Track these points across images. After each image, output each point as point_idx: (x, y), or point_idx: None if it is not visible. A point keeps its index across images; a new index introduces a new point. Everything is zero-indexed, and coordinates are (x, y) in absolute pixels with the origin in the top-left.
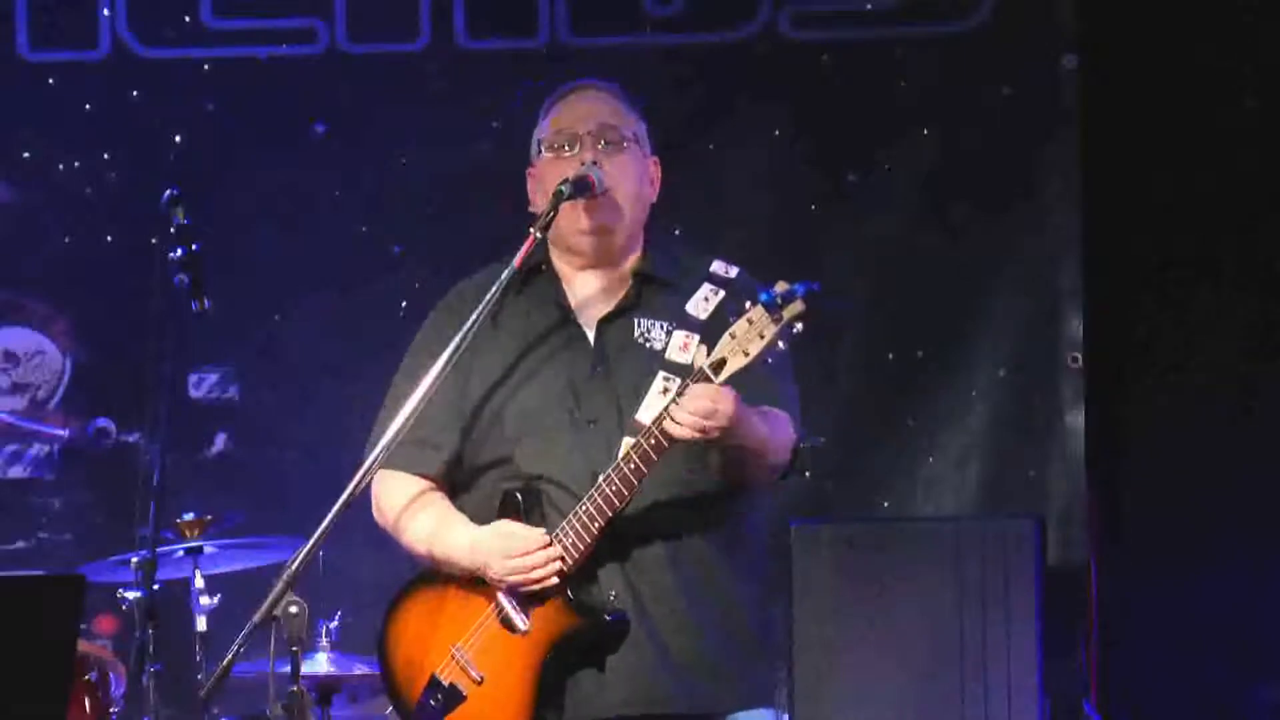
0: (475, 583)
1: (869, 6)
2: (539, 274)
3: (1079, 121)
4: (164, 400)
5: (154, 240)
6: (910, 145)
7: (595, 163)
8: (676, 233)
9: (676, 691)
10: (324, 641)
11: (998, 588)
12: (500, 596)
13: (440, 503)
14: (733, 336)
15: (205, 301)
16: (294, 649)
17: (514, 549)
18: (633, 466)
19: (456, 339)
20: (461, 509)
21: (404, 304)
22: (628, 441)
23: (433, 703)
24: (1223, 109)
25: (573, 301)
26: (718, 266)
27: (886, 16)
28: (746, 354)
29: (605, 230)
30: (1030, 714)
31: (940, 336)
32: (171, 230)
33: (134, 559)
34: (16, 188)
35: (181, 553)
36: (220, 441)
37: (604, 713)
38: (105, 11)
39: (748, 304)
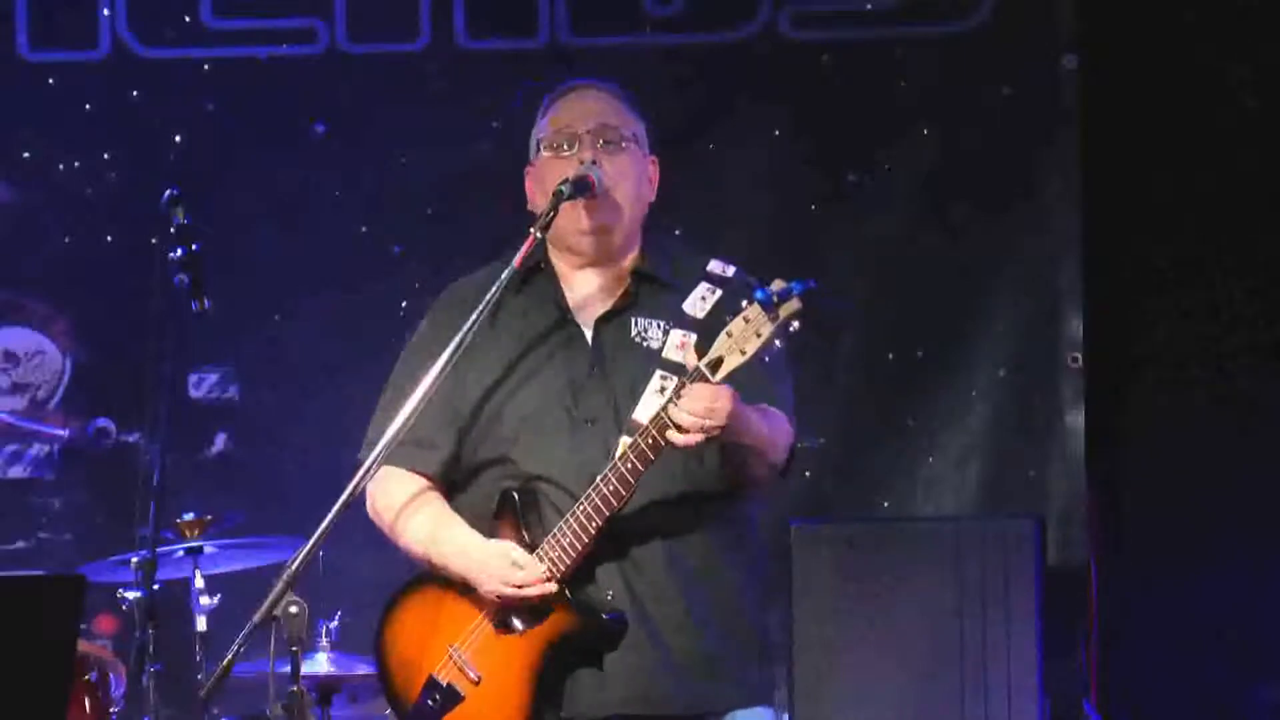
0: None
1: (869, 6)
2: (537, 273)
3: (1079, 121)
4: (164, 400)
5: (154, 240)
6: (910, 145)
7: (595, 162)
8: (677, 233)
9: (675, 691)
10: (324, 641)
11: (998, 588)
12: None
13: (437, 504)
14: (729, 335)
15: (205, 301)
16: (294, 649)
17: (513, 579)
18: (630, 466)
19: (457, 338)
20: (459, 508)
21: (404, 304)
22: (625, 441)
23: (430, 703)
24: (1223, 109)
25: (571, 301)
26: (715, 265)
27: (886, 16)
28: (743, 352)
29: (605, 230)
30: (1030, 714)
31: (940, 336)
32: (171, 230)
33: (134, 559)
34: (16, 188)
35: (181, 553)
36: (220, 441)
37: (602, 712)
38: (105, 11)
39: (744, 303)
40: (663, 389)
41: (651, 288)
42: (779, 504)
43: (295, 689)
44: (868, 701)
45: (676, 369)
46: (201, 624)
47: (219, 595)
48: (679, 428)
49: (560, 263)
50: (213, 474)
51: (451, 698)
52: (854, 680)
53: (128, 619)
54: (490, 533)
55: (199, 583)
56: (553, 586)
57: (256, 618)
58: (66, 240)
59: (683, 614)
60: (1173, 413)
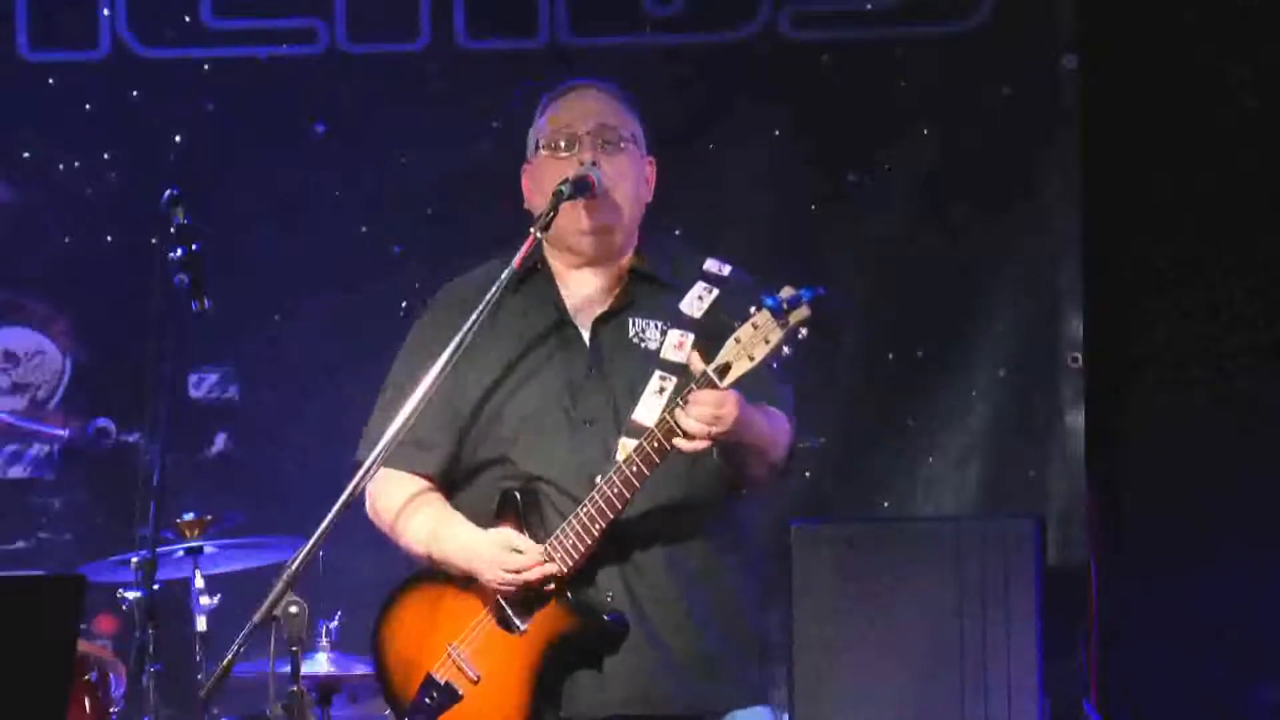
0: (473, 582)
1: (869, 6)
2: (534, 273)
3: (1079, 121)
4: (164, 400)
5: (154, 240)
6: (910, 145)
7: (594, 163)
8: (677, 233)
9: (675, 691)
10: (324, 641)
11: (998, 588)
12: (499, 596)
13: (437, 503)
14: (737, 341)
15: (205, 301)
16: (294, 649)
17: (511, 562)
18: (635, 469)
19: (457, 338)
20: (458, 507)
21: (404, 304)
22: (625, 442)
23: (428, 701)
24: (1223, 109)
25: (568, 301)
26: (711, 265)
27: (886, 16)
28: (751, 358)
29: (605, 230)
30: (1030, 714)
31: (940, 336)
32: (171, 230)
33: (134, 559)
34: (16, 188)
35: (181, 553)
36: (220, 441)
37: (602, 712)
38: (105, 11)
39: (752, 309)
40: (662, 389)
41: (649, 288)
42: (779, 504)
43: (295, 689)
44: (868, 701)
45: (675, 369)
46: (201, 624)
47: (219, 595)
48: (686, 434)
49: (557, 262)
50: (213, 474)
51: (449, 696)
52: (854, 680)
53: (128, 619)
54: None
55: (199, 583)
56: (553, 568)
57: (256, 618)
58: (66, 240)
59: (683, 615)
60: (1173, 413)
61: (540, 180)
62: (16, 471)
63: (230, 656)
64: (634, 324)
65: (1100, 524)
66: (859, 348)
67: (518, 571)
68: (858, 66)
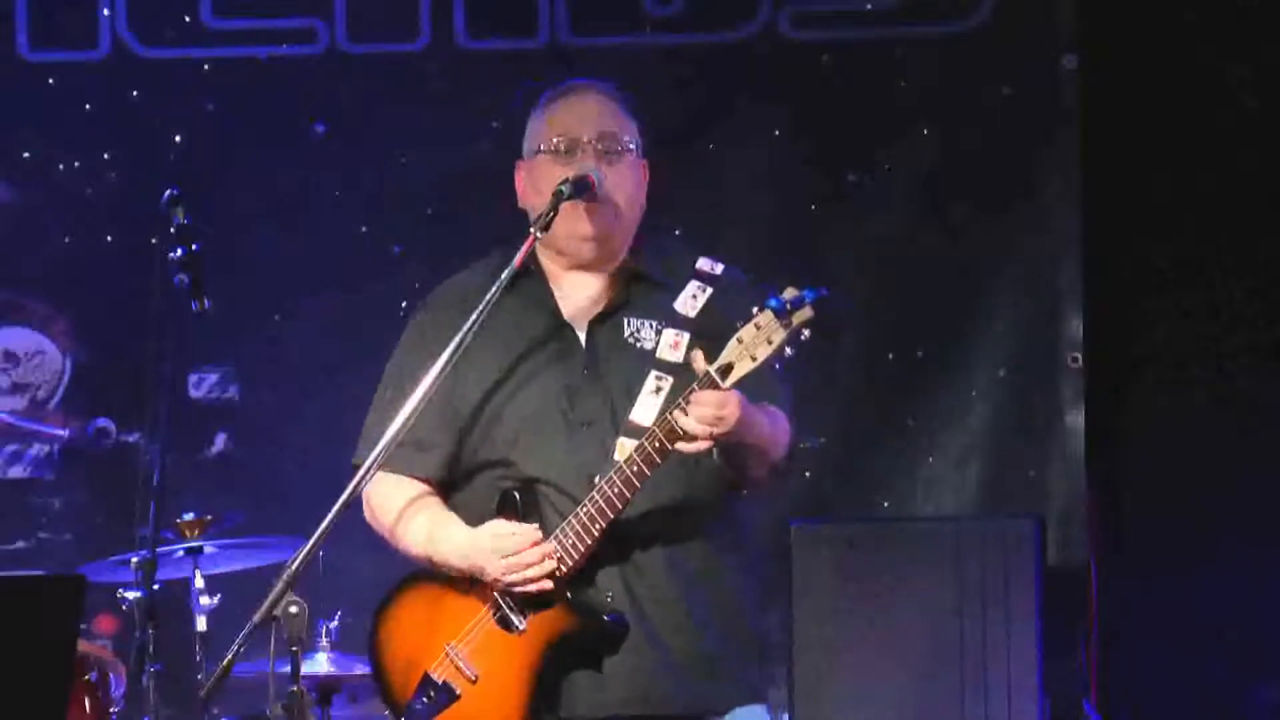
0: (471, 582)
1: (869, 6)
2: (526, 274)
3: (1079, 121)
4: (164, 400)
5: (154, 240)
6: (910, 145)
7: (596, 169)
8: (677, 233)
9: (675, 692)
10: (324, 641)
11: (998, 588)
12: (497, 596)
13: (434, 505)
14: (740, 341)
15: (205, 301)
16: (294, 649)
17: (508, 547)
18: (635, 469)
19: (457, 339)
20: (456, 508)
21: (404, 304)
22: (624, 442)
23: (425, 700)
24: (1223, 109)
25: (562, 303)
26: (703, 264)
27: (886, 16)
28: (754, 359)
29: (605, 237)
30: (1030, 714)
31: (940, 336)
32: (171, 230)
33: (134, 559)
34: (16, 188)
35: (181, 553)
36: (220, 441)
37: (601, 712)
38: (105, 11)
39: (755, 309)
40: (658, 389)
41: (643, 287)
42: (779, 504)
43: (295, 689)
44: (868, 701)
45: (671, 369)
46: (201, 624)
47: (219, 595)
48: (687, 435)
49: (550, 264)
50: (213, 474)
51: (447, 696)
52: (854, 680)
53: (128, 619)
54: None
55: (199, 583)
56: (551, 546)
57: (256, 618)
58: (66, 240)
59: (683, 615)
60: (1173, 413)
61: (538, 181)
62: (16, 471)
63: (230, 656)
64: (629, 324)
65: (1100, 524)
66: (859, 348)
67: (517, 556)
68: (858, 66)
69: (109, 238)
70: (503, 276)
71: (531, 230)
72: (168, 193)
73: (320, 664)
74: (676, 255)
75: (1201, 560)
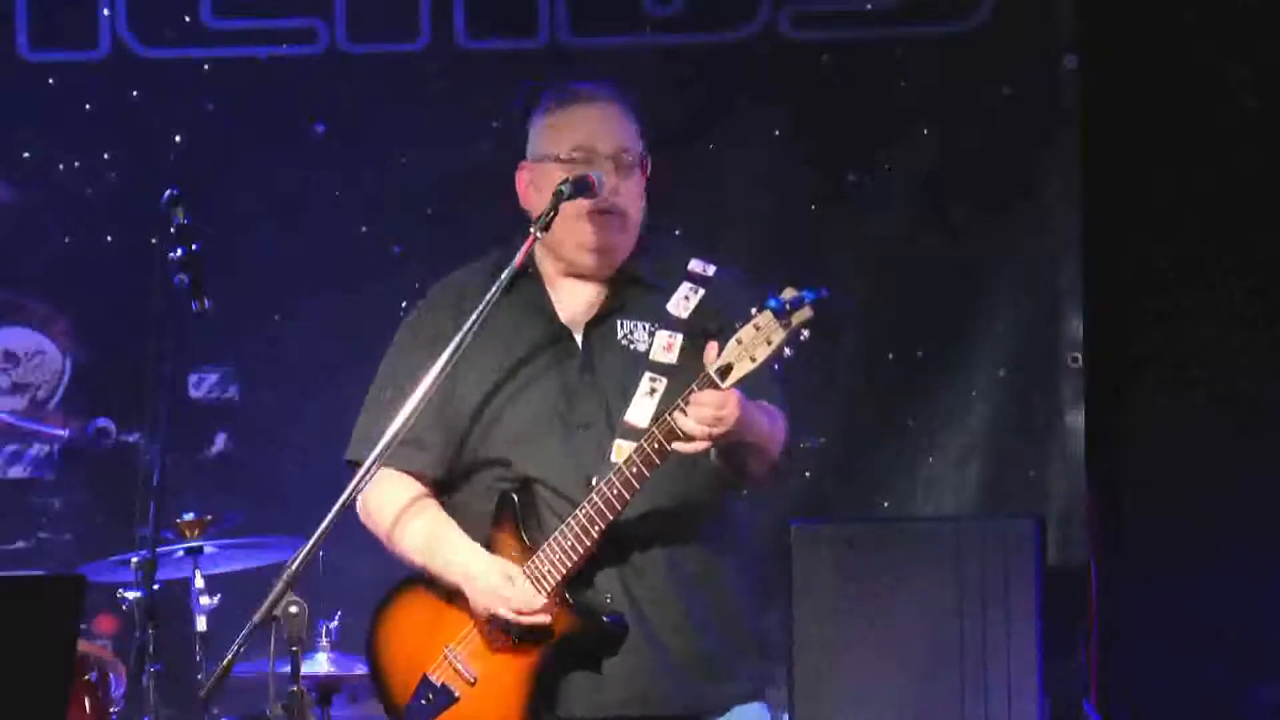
0: None
1: (869, 6)
2: (524, 276)
3: (1079, 121)
4: (164, 400)
5: (154, 240)
6: (910, 145)
7: (616, 190)
8: (677, 233)
9: (674, 692)
10: (324, 641)
11: (998, 588)
12: None
13: (433, 509)
14: (739, 342)
15: (205, 301)
16: (294, 649)
17: (511, 600)
18: (635, 470)
19: (458, 338)
20: (453, 508)
21: (404, 304)
22: (620, 444)
23: (424, 702)
24: (1223, 109)
25: (558, 306)
26: (695, 265)
27: (886, 16)
28: (753, 359)
29: (612, 248)
30: (1030, 714)
31: (940, 336)
32: (171, 230)
33: (134, 559)
34: (16, 188)
35: (181, 553)
36: (220, 441)
37: (600, 713)
38: (105, 11)
39: (754, 310)
40: (653, 390)
41: (637, 290)
42: (779, 504)
43: (295, 689)
44: (868, 701)
45: (665, 370)
46: (201, 624)
47: (219, 595)
48: (686, 435)
49: (548, 267)
50: (213, 474)
51: (445, 698)
52: (854, 680)
53: (128, 619)
54: (487, 534)
55: (199, 583)
56: (546, 618)
57: (256, 618)
58: (66, 240)
59: (681, 616)
60: (1173, 413)
61: (542, 191)
62: (16, 471)
63: (230, 656)
64: (623, 326)
65: (1100, 524)
66: (859, 348)
67: (516, 614)
68: (858, 66)
69: (109, 238)
70: (503, 276)
71: (532, 230)
72: (168, 193)
73: (320, 664)
74: (670, 257)
75: (1201, 560)
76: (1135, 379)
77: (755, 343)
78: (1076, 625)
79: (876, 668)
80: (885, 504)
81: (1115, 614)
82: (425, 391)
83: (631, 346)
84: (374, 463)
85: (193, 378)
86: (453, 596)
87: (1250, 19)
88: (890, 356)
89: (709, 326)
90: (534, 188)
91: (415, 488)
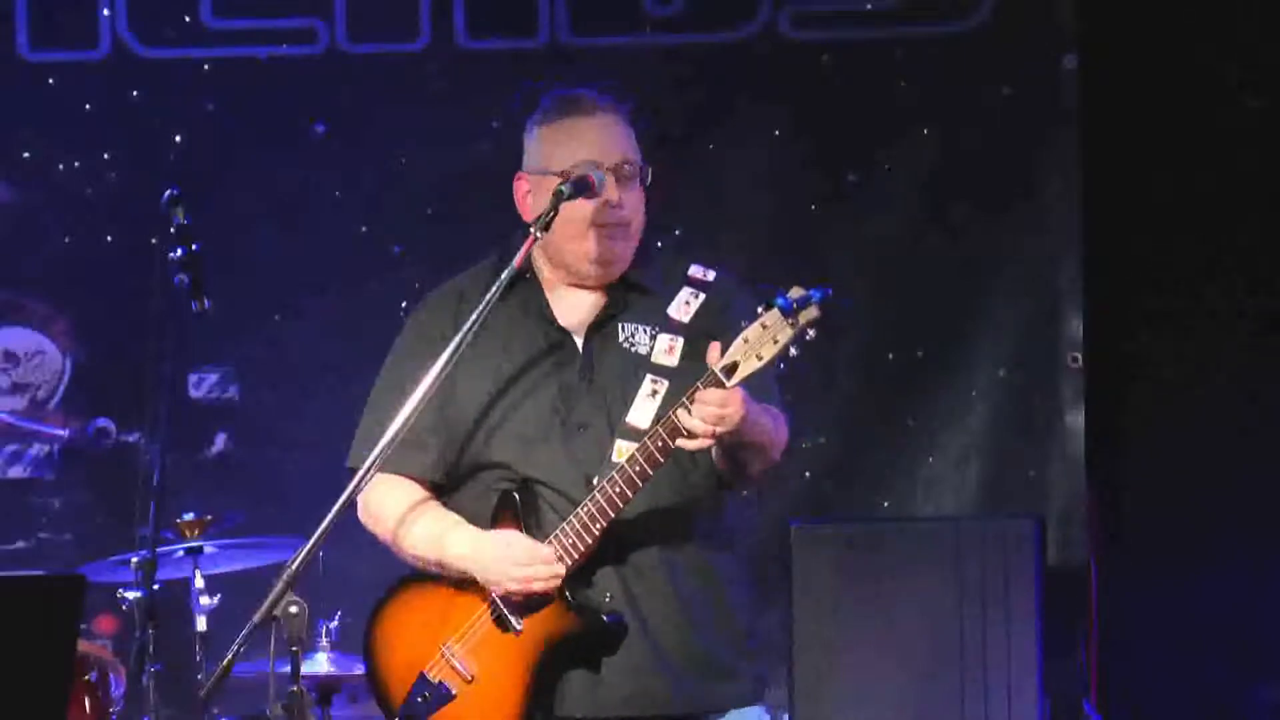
0: (468, 582)
1: (869, 6)
2: (522, 280)
3: (1079, 121)
4: (164, 400)
5: (154, 240)
6: (910, 145)
7: (619, 203)
8: (676, 233)
9: (672, 692)
10: (324, 641)
11: (998, 588)
12: (495, 596)
13: (436, 508)
14: (746, 341)
15: (205, 301)
16: (294, 649)
17: (519, 558)
18: (638, 469)
19: (456, 339)
20: (454, 510)
21: (404, 304)
22: (621, 445)
23: (420, 700)
24: (1223, 109)
25: (557, 309)
26: (695, 270)
27: (886, 16)
28: (760, 358)
29: (615, 260)
30: (1030, 714)
31: (940, 336)
32: (171, 230)
33: (134, 559)
34: (16, 188)
35: (181, 553)
36: (220, 441)
37: (599, 712)
38: (105, 11)
39: (760, 309)
40: (654, 393)
41: (637, 294)
42: (779, 504)
43: (295, 689)
44: (868, 701)
45: (666, 373)
46: (201, 624)
47: (219, 595)
48: (690, 433)
49: (547, 273)
50: (213, 474)
51: (442, 696)
52: (854, 680)
53: (128, 619)
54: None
55: (199, 583)
56: (560, 568)
57: (256, 618)
58: (66, 240)
59: (679, 615)
60: (1173, 413)
61: (543, 202)
62: (16, 471)
63: (230, 656)
64: (624, 329)
65: (1100, 524)
66: (859, 348)
67: (527, 567)
68: (858, 66)
69: (109, 238)
70: (502, 276)
71: (532, 230)
72: (168, 193)
73: (320, 664)
74: (669, 262)
75: (1201, 560)
76: (1135, 379)
77: (762, 341)
78: (1076, 625)
79: (876, 668)
80: (885, 504)
81: (1115, 614)
82: (425, 392)
83: (633, 349)
84: (374, 462)
85: (193, 378)
86: (452, 594)
87: (1250, 19)
88: (890, 356)
89: (710, 330)
90: (533, 199)
91: (417, 492)
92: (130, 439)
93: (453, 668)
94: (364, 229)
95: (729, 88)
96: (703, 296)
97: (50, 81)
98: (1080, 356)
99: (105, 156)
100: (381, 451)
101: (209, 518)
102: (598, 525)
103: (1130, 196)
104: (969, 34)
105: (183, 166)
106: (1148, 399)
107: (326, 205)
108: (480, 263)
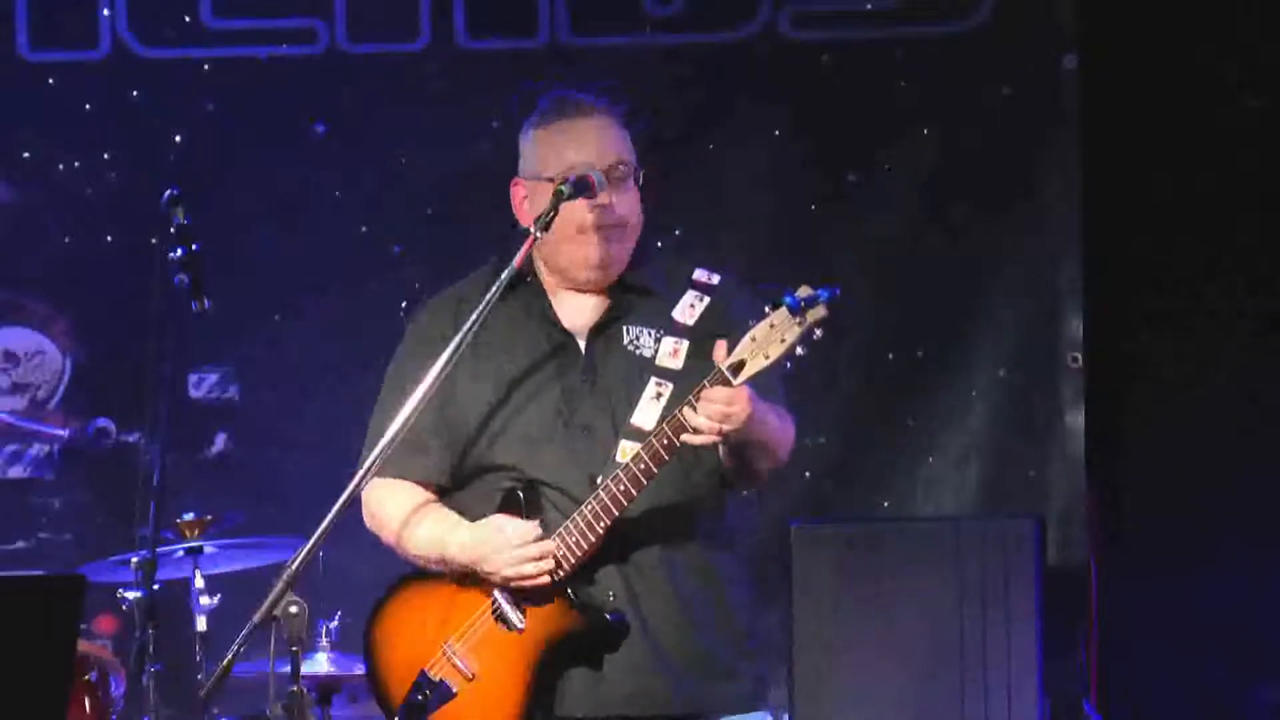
0: (469, 581)
1: (869, 6)
2: (524, 284)
3: (1079, 121)
4: (164, 400)
5: (154, 240)
6: (910, 145)
7: (611, 205)
8: (676, 232)
9: (672, 691)
10: (324, 641)
11: (998, 588)
12: (497, 594)
13: (437, 509)
14: (754, 339)
15: (205, 301)
16: (294, 649)
17: (511, 540)
18: (642, 467)
19: (455, 340)
20: (458, 509)
21: (404, 304)
22: (625, 445)
23: (420, 698)
24: (1223, 109)
25: (560, 311)
26: (700, 274)
27: (886, 16)
28: (767, 356)
29: (612, 262)
30: (1030, 714)
31: (940, 336)
32: (171, 230)
33: (134, 559)
34: (16, 188)
35: (181, 553)
36: (220, 441)
37: (599, 712)
38: (105, 11)
39: (768, 308)
40: (659, 395)
41: (639, 297)
42: (779, 504)
43: (295, 689)
44: (868, 701)
45: (671, 376)
46: (201, 624)
47: (219, 595)
48: (695, 431)
49: (547, 277)
50: (213, 474)
51: (443, 694)
52: (854, 680)
53: (128, 619)
54: None
55: (199, 583)
56: (550, 545)
57: (256, 618)
58: (66, 240)
59: (680, 615)
60: (1173, 413)
61: (540, 206)
62: (16, 471)
63: (230, 656)
64: (628, 332)
65: (1100, 524)
66: (859, 348)
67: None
68: (858, 66)
69: (109, 238)
70: (503, 276)
71: (532, 230)
72: (168, 193)
73: (320, 664)
74: (672, 265)
75: (1201, 560)
76: (1135, 379)
77: (769, 340)
78: (1076, 625)
79: (876, 668)
80: (885, 504)
81: (1115, 614)
82: (424, 393)
83: (637, 352)
84: (371, 464)
85: (193, 378)
86: (454, 592)
87: (1250, 19)
88: (890, 356)
89: (715, 334)
90: (530, 204)
91: (420, 495)
92: (130, 439)
93: (454, 666)
94: (364, 229)
95: (729, 88)
96: (708, 300)
97: (50, 81)
98: (1080, 356)
99: (105, 156)
100: (381, 452)
101: (209, 518)
102: (601, 523)
103: (1130, 196)
104: (969, 34)
105: (183, 166)
106: (1148, 399)
107: (326, 205)
108: (479, 268)
